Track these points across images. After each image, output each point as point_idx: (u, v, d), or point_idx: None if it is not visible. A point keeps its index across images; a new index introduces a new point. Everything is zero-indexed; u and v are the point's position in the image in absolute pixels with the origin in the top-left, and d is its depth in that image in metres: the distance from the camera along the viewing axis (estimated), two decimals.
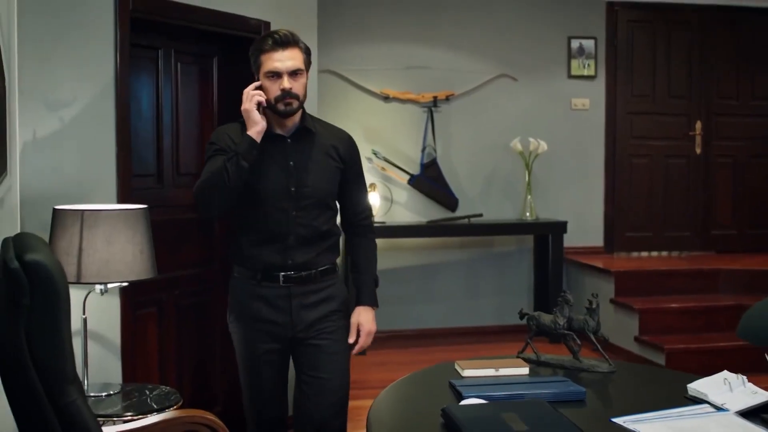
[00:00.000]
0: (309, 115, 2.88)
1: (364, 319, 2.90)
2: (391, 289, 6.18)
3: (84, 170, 3.30)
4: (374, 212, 5.99)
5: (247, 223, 2.81)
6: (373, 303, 2.93)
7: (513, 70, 6.56)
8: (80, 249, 2.80)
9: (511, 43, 6.56)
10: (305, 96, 2.78)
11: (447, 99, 6.42)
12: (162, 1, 3.64)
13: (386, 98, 6.34)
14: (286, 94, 2.70)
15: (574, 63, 6.62)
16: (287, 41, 2.70)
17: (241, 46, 3.64)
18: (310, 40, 4.73)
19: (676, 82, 6.83)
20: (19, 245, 1.84)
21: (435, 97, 6.38)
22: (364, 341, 2.89)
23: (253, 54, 2.75)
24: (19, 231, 2.86)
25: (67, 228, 2.82)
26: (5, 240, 2.04)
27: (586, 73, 6.65)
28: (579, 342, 2.88)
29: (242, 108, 2.70)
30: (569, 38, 6.63)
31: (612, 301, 5.91)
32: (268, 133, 2.74)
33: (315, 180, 2.79)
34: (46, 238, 2.93)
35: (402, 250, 6.43)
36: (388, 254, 6.22)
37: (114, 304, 3.39)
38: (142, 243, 2.90)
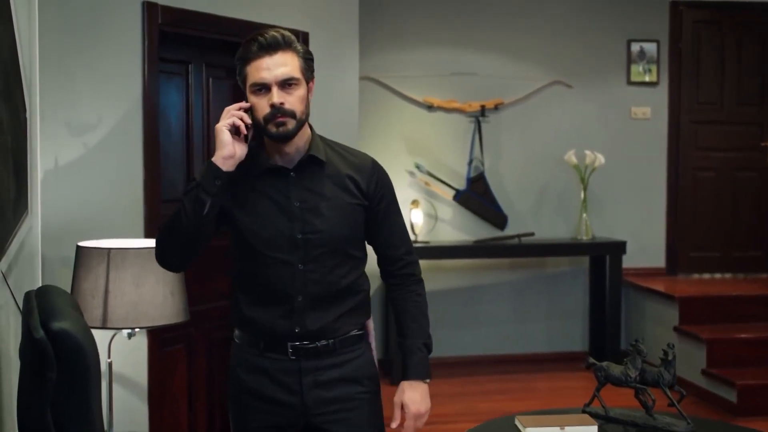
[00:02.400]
0: (320, 137, 2.39)
1: (410, 397, 2.39)
2: (435, 312, 5.99)
3: (109, 198, 3.29)
4: (417, 230, 5.94)
5: (244, 280, 2.37)
6: (422, 376, 2.41)
7: (567, 76, 6.46)
8: (106, 291, 2.76)
9: (566, 47, 6.47)
10: (306, 113, 2.28)
11: (496, 108, 6.35)
12: (192, 13, 3.63)
13: (430, 107, 6.29)
14: (277, 110, 2.21)
15: (635, 68, 6.52)
16: (275, 44, 2.23)
17: None
18: (351, 49, 4.70)
19: (747, 89, 6.68)
20: (43, 307, 1.79)
21: (482, 106, 6.31)
22: (412, 427, 2.39)
23: (238, 64, 2.28)
24: (40, 273, 2.84)
25: (92, 268, 2.78)
26: (27, 296, 1.99)
27: (647, 79, 6.54)
28: (653, 397, 2.77)
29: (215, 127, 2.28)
30: (629, 41, 6.52)
31: (676, 329, 5.77)
32: (265, 166, 2.31)
33: (327, 223, 2.32)
34: (69, 276, 2.92)
35: (446, 271, 6.36)
36: (431, 275, 6.14)
37: (141, 343, 3.38)
38: (173, 283, 2.86)
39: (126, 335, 2.92)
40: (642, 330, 6.25)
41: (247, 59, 2.24)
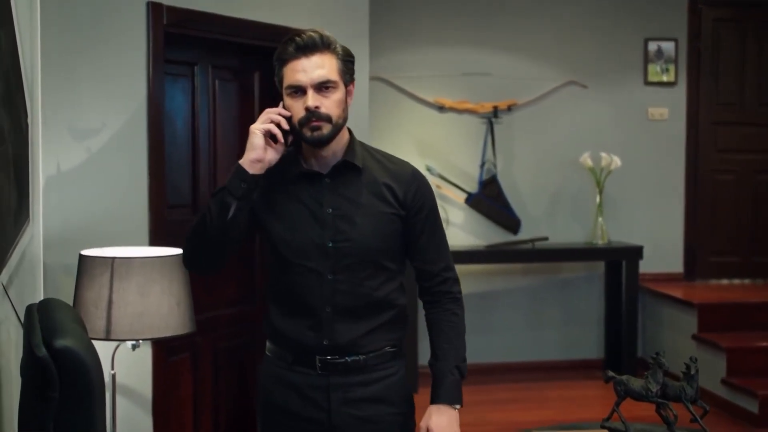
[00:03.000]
0: (359, 143, 2.36)
1: (437, 423, 2.31)
2: None
3: (113, 205, 3.26)
4: None
5: (275, 289, 2.36)
6: (452, 401, 2.32)
7: (582, 76, 6.46)
8: (110, 302, 2.72)
9: (581, 46, 6.45)
10: (344, 117, 2.26)
11: (509, 109, 6.35)
12: (198, 13, 3.61)
13: (441, 108, 6.28)
14: (312, 114, 2.19)
15: (652, 68, 6.50)
16: (312, 45, 2.20)
17: None
18: (361, 48, 4.67)
19: None
20: (45, 322, 1.76)
21: (495, 107, 6.30)
22: None
23: (276, 64, 2.26)
24: (42, 283, 2.83)
25: (95, 277, 2.75)
26: (29, 310, 1.97)
27: (665, 79, 6.53)
28: (675, 412, 2.73)
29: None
30: (646, 40, 6.51)
31: (694, 337, 5.75)
32: (300, 170, 2.29)
33: (359, 232, 2.27)
34: (71, 285, 2.89)
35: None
36: None
37: (145, 353, 3.34)
38: (179, 294, 2.82)
39: (130, 347, 2.89)
40: (659, 338, 6.24)
41: (284, 60, 2.22)
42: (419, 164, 6.03)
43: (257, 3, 3.86)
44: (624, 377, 2.84)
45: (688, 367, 2.74)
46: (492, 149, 6.29)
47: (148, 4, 3.38)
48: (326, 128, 2.21)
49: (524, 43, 6.38)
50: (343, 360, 2.28)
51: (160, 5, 3.41)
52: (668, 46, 6.51)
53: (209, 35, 3.69)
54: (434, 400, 2.34)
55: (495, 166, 6.29)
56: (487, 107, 6.29)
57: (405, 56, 6.22)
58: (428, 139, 6.29)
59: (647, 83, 6.53)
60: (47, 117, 2.99)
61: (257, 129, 2.21)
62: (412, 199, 2.33)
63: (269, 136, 2.21)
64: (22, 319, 2.20)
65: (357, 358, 2.29)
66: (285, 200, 2.29)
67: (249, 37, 3.83)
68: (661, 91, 6.54)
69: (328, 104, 2.21)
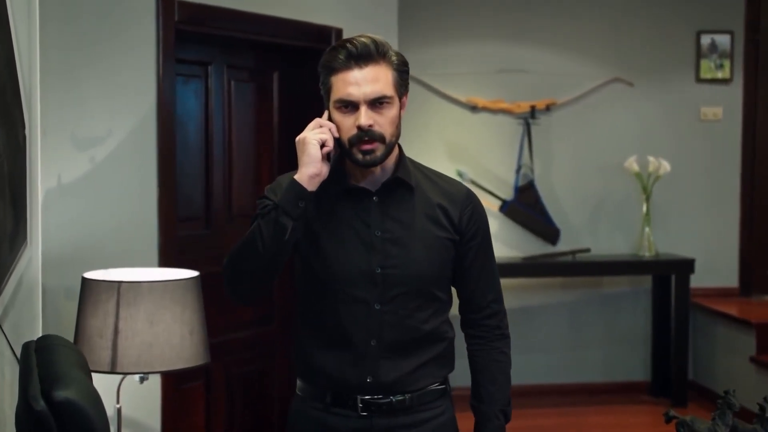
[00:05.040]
0: (409, 159, 2.30)
1: None
2: None
3: (119, 220, 3.26)
4: None
5: (311, 319, 2.29)
6: None
7: (628, 72, 6.38)
8: (116, 331, 2.68)
9: (626, 40, 6.39)
10: (397, 134, 2.19)
11: (547, 109, 6.30)
12: (212, 9, 3.63)
13: (474, 108, 6.25)
14: (365, 134, 2.12)
15: (705, 63, 6.43)
16: (367, 54, 2.12)
17: (307, 58, 3.67)
18: (389, 43, 4.62)
19: None
20: (44, 367, 1.69)
21: (532, 107, 6.26)
22: None
23: (322, 72, 2.18)
24: (41, 310, 2.80)
25: (99, 304, 2.71)
26: (26, 350, 1.90)
27: (719, 75, 6.45)
28: None
29: (297, 138, 2.19)
30: (698, 33, 6.44)
31: (753, 359, 5.65)
32: (344, 186, 2.23)
33: (411, 257, 2.22)
34: (73, 310, 2.86)
35: None
36: None
37: (153, 382, 3.30)
38: (192, 321, 2.78)
39: (138, 380, 2.84)
40: (712, 360, 6.16)
41: (333, 69, 2.14)
42: (449, 169, 6.06)
43: None
44: (688, 418, 2.73)
45: (762, 409, 2.62)
46: (529, 152, 6.25)
47: None
48: (379, 150, 2.15)
49: (564, 37, 6.33)
50: (387, 400, 2.23)
51: (171, 0, 3.41)
52: (723, 40, 6.44)
53: (224, 32, 3.72)
54: None
55: (532, 171, 6.26)
56: (524, 107, 6.25)
57: (435, 52, 6.18)
58: (459, 142, 6.26)
59: (699, 80, 6.45)
60: (47, 126, 2.96)
61: (314, 139, 2.12)
62: (467, 223, 2.29)
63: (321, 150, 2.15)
64: (18, 356, 2.13)
65: (402, 397, 2.24)
66: (327, 220, 2.23)
67: (268, 35, 3.87)
68: (715, 89, 6.47)
69: (383, 122, 2.14)
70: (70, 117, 3.09)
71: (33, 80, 2.69)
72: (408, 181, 2.24)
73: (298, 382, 2.34)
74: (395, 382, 2.23)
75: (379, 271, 2.20)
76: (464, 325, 2.39)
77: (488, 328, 2.36)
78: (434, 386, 2.29)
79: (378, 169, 2.21)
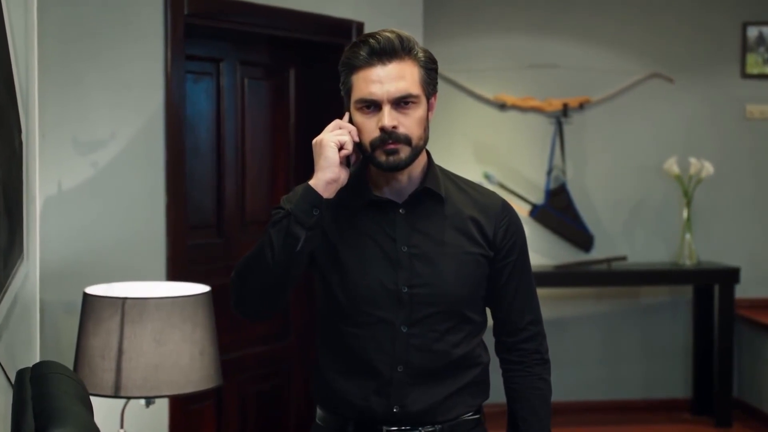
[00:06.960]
0: (438, 167, 2.25)
1: None
2: None
3: (123, 230, 3.26)
4: None
5: (331, 342, 2.25)
6: None
7: (668, 68, 6.35)
8: (120, 351, 2.66)
9: (666, 33, 6.36)
10: (424, 138, 2.13)
11: (581, 107, 6.29)
12: (224, 2, 3.64)
13: (502, 106, 6.24)
14: (388, 136, 2.06)
15: (751, 58, 6.39)
16: (391, 49, 2.07)
17: (326, 54, 3.71)
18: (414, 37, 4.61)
19: None
20: (39, 400, 1.61)
21: (565, 105, 6.25)
22: None
23: (343, 70, 2.14)
24: (38, 329, 2.76)
25: (102, 321, 2.69)
26: (20, 378, 1.83)
27: (766, 70, 6.43)
28: None
29: (314, 140, 2.13)
30: (744, 24, 6.39)
31: None
32: (367, 197, 2.18)
33: (441, 275, 2.17)
34: (73, 326, 2.86)
35: None
36: None
37: (160, 403, 3.28)
38: (203, 341, 2.75)
39: (143, 403, 2.82)
40: (759, 375, 6.10)
41: (354, 66, 2.09)
42: (476, 171, 6.06)
43: None
44: None
45: None
46: (561, 154, 6.25)
47: None
48: (404, 152, 2.09)
49: (599, 30, 6.33)
50: (416, 431, 2.19)
51: None
52: None
53: (237, 26, 3.74)
54: None
55: (564, 173, 6.25)
56: (556, 105, 6.24)
57: (462, 46, 6.17)
58: (487, 142, 6.25)
59: (745, 76, 6.40)
60: (46, 129, 2.95)
61: (332, 140, 2.07)
62: (502, 238, 2.24)
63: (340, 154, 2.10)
64: (13, 381, 2.08)
65: (432, 429, 2.19)
66: (348, 234, 2.18)
67: (284, 29, 3.89)
68: (763, 85, 6.42)
69: (408, 123, 2.08)
70: (70, 119, 3.08)
71: (31, 80, 2.65)
72: (437, 191, 2.19)
73: (318, 411, 2.28)
74: (424, 412, 2.17)
75: (406, 290, 2.16)
76: (499, 350, 2.33)
77: (526, 353, 2.29)
78: (467, 416, 2.24)
79: (404, 179, 2.17)
